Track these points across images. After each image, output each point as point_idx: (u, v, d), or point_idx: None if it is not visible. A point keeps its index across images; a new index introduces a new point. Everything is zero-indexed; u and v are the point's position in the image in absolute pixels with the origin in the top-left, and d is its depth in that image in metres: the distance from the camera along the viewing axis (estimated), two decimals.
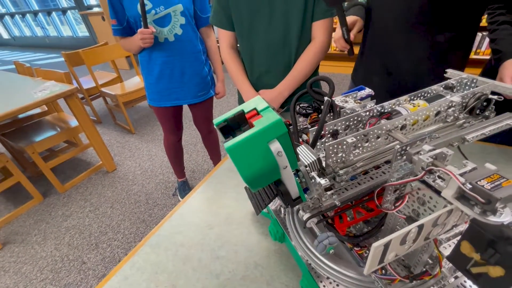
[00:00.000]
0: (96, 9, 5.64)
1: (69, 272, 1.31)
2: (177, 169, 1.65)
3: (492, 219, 0.23)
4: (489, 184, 0.24)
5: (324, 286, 0.39)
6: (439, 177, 0.28)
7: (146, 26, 1.02)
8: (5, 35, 8.28)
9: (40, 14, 7.11)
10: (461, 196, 0.25)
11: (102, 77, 2.72)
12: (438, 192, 0.27)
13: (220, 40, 0.90)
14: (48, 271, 1.33)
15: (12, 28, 7.99)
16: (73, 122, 1.91)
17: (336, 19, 0.74)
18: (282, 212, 0.50)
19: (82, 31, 6.67)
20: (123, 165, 2.07)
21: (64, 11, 6.39)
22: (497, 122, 0.35)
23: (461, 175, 0.26)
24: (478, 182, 0.24)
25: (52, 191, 1.86)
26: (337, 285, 0.38)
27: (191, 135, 2.35)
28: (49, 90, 1.54)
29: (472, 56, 2.39)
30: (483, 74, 0.87)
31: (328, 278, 0.38)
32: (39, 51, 6.94)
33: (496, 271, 0.24)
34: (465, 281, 0.36)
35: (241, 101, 1.00)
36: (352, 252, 0.40)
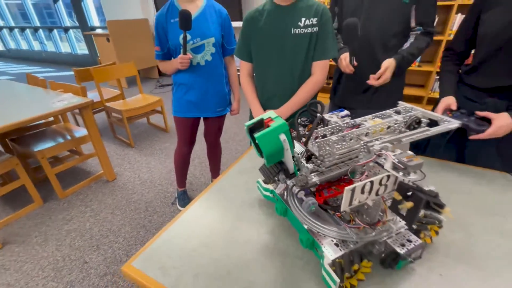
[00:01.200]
0: (99, 31, 5.94)
1: (71, 271, 1.38)
2: (180, 179, 1.81)
3: (407, 178, 0.44)
4: (407, 160, 0.45)
5: (315, 238, 0.57)
6: (384, 159, 0.48)
7: (185, 53, 1.25)
8: (0, 47, 8.34)
9: (40, 29, 7.32)
10: (394, 167, 0.46)
11: (106, 93, 2.89)
12: (382, 166, 0.48)
13: (241, 68, 1.17)
14: (50, 269, 1.39)
15: (9, 40, 8.10)
16: (80, 132, 2.04)
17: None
18: (285, 194, 0.69)
19: (81, 49, 6.89)
20: (122, 176, 2.18)
21: (66, 29, 6.63)
22: (418, 133, 0.57)
23: (394, 156, 0.46)
24: (402, 159, 0.45)
25: (53, 197, 1.93)
26: (324, 236, 0.56)
27: None
28: (67, 101, 1.70)
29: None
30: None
31: (318, 232, 0.57)
32: (34, 65, 7.02)
33: (410, 204, 0.44)
34: (394, 220, 0.56)
35: (251, 117, 1.22)
36: (334, 216, 0.59)
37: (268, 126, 0.49)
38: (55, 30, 6.97)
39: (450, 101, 0.87)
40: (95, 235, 1.60)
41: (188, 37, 1.27)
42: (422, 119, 0.62)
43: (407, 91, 3.04)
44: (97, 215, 1.76)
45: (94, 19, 6.08)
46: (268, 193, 0.73)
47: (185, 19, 1.15)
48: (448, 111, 0.86)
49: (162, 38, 1.33)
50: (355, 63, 1.02)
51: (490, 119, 0.78)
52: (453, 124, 0.59)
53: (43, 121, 2.20)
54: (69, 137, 1.98)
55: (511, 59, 0.79)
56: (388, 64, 1.00)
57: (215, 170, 1.90)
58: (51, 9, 7.06)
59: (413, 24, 1.06)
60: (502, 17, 0.79)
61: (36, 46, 7.65)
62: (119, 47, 4.37)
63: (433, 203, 0.52)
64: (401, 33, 1.07)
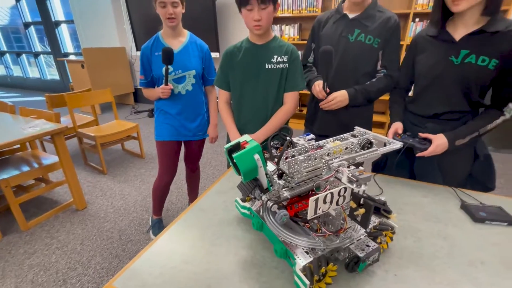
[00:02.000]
0: (73, 57, 5.89)
1: None
2: (157, 207, 1.78)
3: (359, 189, 0.53)
4: (359, 174, 0.55)
5: (288, 248, 0.63)
6: (341, 174, 0.58)
7: (166, 84, 1.36)
8: None
9: (7, 54, 7.06)
10: (349, 180, 0.56)
11: (78, 119, 2.83)
12: (340, 180, 0.57)
13: (220, 96, 1.28)
14: None
15: None
16: (49, 159, 1.96)
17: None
18: (261, 210, 0.75)
19: (51, 74, 6.70)
20: (94, 204, 2.09)
21: (36, 55, 6.47)
22: (369, 152, 0.68)
23: (348, 171, 0.56)
24: (355, 174, 0.55)
25: (13, 229, 1.79)
26: (295, 245, 0.63)
27: None
28: (39, 127, 1.66)
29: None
30: None
31: (290, 242, 0.63)
32: None
33: (362, 211, 0.53)
34: (355, 228, 0.64)
35: (228, 141, 1.29)
36: (304, 228, 0.66)
37: (244, 148, 0.57)
38: (23, 55, 6.76)
39: (398, 126, 1.03)
40: (62, 268, 1.50)
41: (170, 69, 1.37)
42: (373, 141, 0.74)
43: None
44: (65, 246, 1.66)
45: (68, 46, 6.03)
46: (245, 211, 0.79)
47: (167, 56, 1.28)
48: (397, 134, 1.01)
49: (147, 68, 1.44)
50: (328, 90, 1.15)
51: (431, 139, 0.93)
52: (396, 145, 0.72)
53: (7, 148, 2.10)
54: (36, 165, 1.90)
55: (438, 92, 0.97)
56: (337, 95, 1.14)
57: (193, 193, 1.91)
58: (19, 33, 6.91)
59: (379, 66, 1.20)
60: (428, 60, 0.98)
61: (1, 71, 7.31)
62: (94, 73, 4.35)
63: (382, 210, 0.61)
64: (370, 73, 1.20)
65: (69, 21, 5.61)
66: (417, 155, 0.94)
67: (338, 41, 1.17)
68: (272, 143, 0.78)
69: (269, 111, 1.18)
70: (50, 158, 1.98)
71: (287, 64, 1.13)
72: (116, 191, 2.27)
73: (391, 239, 0.69)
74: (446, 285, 0.60)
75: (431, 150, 0.92)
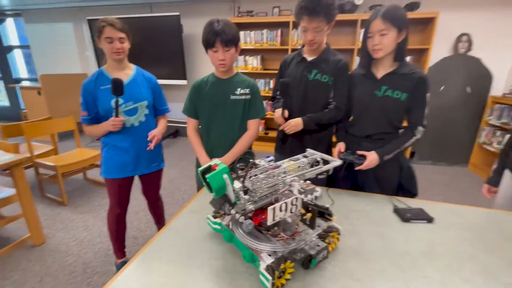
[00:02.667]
0: (26, 83, 5.57)
1: None
2: (118, 247, 1.65)
3: (306, 198, 0.68)
4: (306, 187, 0.71)
5: (254, 253, 0.75)
6: (293, 187, 0.73)
7: (117, 116, 1.33)
8: None
9: None
10: (300, 192, 0.71)
11: (35, 149, 2.69)
12: (292, 192, 0.72)
13: (188, 124, 1.38)
14: None
15: None
16: (4, 193, 1.84)
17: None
18: (230, 224, 0.86)
19: None
20: (53, 238, 1.97)
21: None
22: (316, 169, 0.85)
23: (298, 185, 0.71)
24: (303, 187, 0.71)
25: None
26: (260, 250, 0.74)
27: (131, 204, 2.43)
28: None
29: None
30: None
31: (255, 248, 0.75)
32: None
33: (309, 215, 0.67)
34: (308, 232, 0.78)
35: (198, 164, 1.39)
36: (266, 235, 0.78)
37: (214, 170, 0.70)
38: None
39: (341, 145, 1.25)
40: None
41: (120, 101, 1.35)
42: (319, 160, 0.92)
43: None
44: (20, 286, 1.54)
45: (21, 71, 5.70)
46: (217, 226, 0.90)
47: (118, 86, 1.27)
48: (340, 152, 1.22)
49: (90, 103, 1.38)
50: (286, 115, 1.34)
51: (365, 155, 1.15)
52: (337, 162, 0.90)
53: None
54: None
55: (369, 118, 1.21)
56: (292, 121, 1.31)
57: (160, 223, 1.87)
58: None
59: (330, 99, 1.40)
60: (359, 93, 1.23)
61: None
62: (52, 100, 4.18)
63: (326, 214, 0.77)
64: (324, 105, 1.40)
65: (24, 46, 5.38)
66: (356, 168, 1.15)
67: (300, 79, 1.39)
68: (238, 165, 0.92)
69: (235, 136, 1.32)
70: (4, 191, 1.86)
71: (250, 95, 1.30)
72: (79, 223, 2.16)
73: (338, 239, 0.84)
74: (380, 272, 0.76)
75: (366, 164, 1.14)
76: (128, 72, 1.43)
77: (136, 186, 1.63)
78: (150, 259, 0.79)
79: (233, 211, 0.76)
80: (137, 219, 2.22)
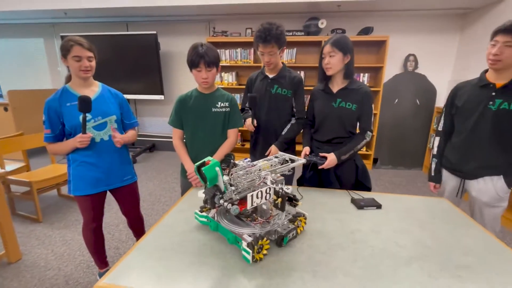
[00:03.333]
0: None
1: None
2: (98, 258, 1.65)
3: (277, 187, 0.87)
4: (277, 178, 0.90)
5: (237, 235, 0.91)
6: (267, 179, 0.91)
7: (84, 132, 1.33)
8: None
9: None
10: (271, 183, 0.89)
11: (6, 165, 2.62)
12: (266, 184, 0.90)
13: (174, 134, 1.53)
14: None
15: None
16: None
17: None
18: (215, 216, 1.01)
19: None
20: (30, 254, 1.94)
21: None
22: (284, 167, 1.05)
23: (271, 177, 0.90)
24: (275, 179, 0.89)
25: None
26: (242, 234, 0.90)
27: (111, 217, 2.46)
28: None
29: None
30: None
31: (238, 232, 0.91)
32: None
33: (280, 200, 0.86)
34: (280, 217, 0.96)
35: (183, 169, 1.52)
36: (246, 221, 0.95)
37: (208, 164, 0.86)
38: None
39: (306, 149, 1.48)
40: None
41: (89, 116, 1.37)
42: (287, 159, 1.11)
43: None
44: None
45: None
46: (203, 219, 1.04)
47: (85, 103, 1.28)
48: (306, 154, 1.45)
49: (55, 121, 1.37)
50: (255, 124, 1.58)
51: (326, 157, 1.39)
52: (301, 161, 1.10)
53: None
54: None
55: (328, 126, 1.46)
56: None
57: (141, 235, 1.78)
58: None
59: (293, 111, 1.67)
60: (319, 105, 1.49)
61: None
62: (20, 116, 4.03)
63: (293, 200, 0.96)
64: (288, 116, 1.66)
65: None
66: (319, 167, 1.38)
67: (265, 94, 1.64)
68: (221, 165, 1.09)
69: (217, 144, 1.49)
70: None
71: (229, 108, 1.49)
72: (56, 238, 2.14)
73: (305, 223, 1.03)
74: (338, 245, 0.95)
75: (326, 164, 1.37)
76: (94, 89, 1.46)
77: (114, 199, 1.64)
78: (146, 248, 0.92)
79: (222, 201, 0.92)
80: (117, 231, 2.25)
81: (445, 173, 1.50)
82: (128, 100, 4.38)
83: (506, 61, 1.16)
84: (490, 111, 1.24)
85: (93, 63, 1.41)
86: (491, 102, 1.24)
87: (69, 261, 1.87)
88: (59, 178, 2.56)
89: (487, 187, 1.31)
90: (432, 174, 1.54)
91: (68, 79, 1.46)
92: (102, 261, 1.67)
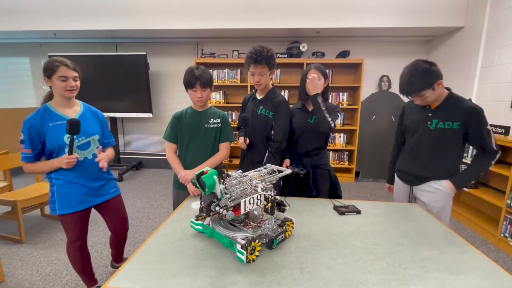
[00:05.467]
0: None
1: None
2: (87, 276, 1.64)
3: (267, 194, 0.98)
4: (267, 185, 1.01)
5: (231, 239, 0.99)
6: (257, 187, 1.02)
7: (71, 153, 1.35)
8: None
9: None
10: (261, 190, 1.00)
11: None
12: (257, 191, 1.01)
13: (168, 148, 1.63)
14: None
15: None
16: None
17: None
18: (210, 224, 1.10)
19: None
20: (13, 276, 1.88)
21: None
22: (272, 176, 1.17)
23: (261, 186, 1.01)
24: (265, 186, 1.00)
25: None
26: (236, 238, 0.99)
27: (98, 236, 2.43)
28: None
29: None
30: None
31: (232, 237, 1.00)
32: None
33: (270, 205, 0.96)
34: (270, 222, 1.06)
35: (176, 181, 1.60)
36: (239, 226, 1.04)
37: (206, 173, 0.96)
38: None
39: (287, 161, 1.66)
40: None
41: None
42: (275, 170, 1.23)
43: None
44: None
45: None
46: (199, 227, 1.12)
47: (76, 126, 1.33)
48: (287, 166, 1.61)
49: (36, 141, 1.37)
50: (247, 142, 1.70)
51: (306, 168, 1.54)
52: (287, 171, 1.22)
53: None
54: None
55: (305, 139, 1.64)
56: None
57: (119, 256, 1.88)
58: None
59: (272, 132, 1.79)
60: (297, 121, 1.67)
61: None
62: (3, 135, 3.94)
63: (281, 205, 1.07)
64: (271, 137, 1.76)
65: None
66: (301, 176, 1.53)
67: (252, 114, 1.77)
68: None
69: (208, 157, 1.59)
70: None
71: (221, 124, 1.61)
72: (41, 258, 2.09)
73: (293, 228, 1.13)
74: (322, 246, 1.06)
75: (305, 173, 1.52)
76: (76, 109, 1.49)
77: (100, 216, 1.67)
78: (147, 253, 0.98)
79: (217, 208, 1.01)
80: (106, 249, 2.23)
81: (397, 181, 1.69)
82: (116, 118, 4.41)
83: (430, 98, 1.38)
84: (429, 129, 1.45)
85: (78, 83, 1.44)
86: (429, 122, 1.45)
87: (55, 281, 1.83)
88: (44, 197, 2.51)
89: (431, 191, 1.49)
90: (388, 176, 1.82)
91: (48, 98, 1.47)
92: (90, 279, 1.66)
